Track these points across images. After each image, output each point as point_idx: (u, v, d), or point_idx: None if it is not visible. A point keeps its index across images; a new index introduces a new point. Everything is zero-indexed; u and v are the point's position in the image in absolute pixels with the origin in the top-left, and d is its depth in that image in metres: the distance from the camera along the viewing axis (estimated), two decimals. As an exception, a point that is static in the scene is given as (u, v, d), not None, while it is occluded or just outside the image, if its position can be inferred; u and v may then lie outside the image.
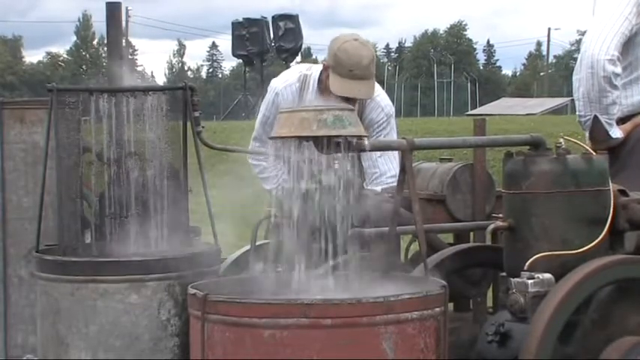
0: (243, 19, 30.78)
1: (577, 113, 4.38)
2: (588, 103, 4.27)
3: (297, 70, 4.83)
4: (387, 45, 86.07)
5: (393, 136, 4.69)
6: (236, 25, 30.60)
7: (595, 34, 4.23)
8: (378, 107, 4.67)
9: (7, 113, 4.59)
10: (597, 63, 4.17)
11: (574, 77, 4.34)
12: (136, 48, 77.04)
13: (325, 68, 4.57)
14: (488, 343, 3.18)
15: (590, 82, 4.22)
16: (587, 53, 4.21)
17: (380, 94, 4.70)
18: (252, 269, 3.55)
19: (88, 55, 78.07)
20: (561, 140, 3.24)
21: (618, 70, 4.19)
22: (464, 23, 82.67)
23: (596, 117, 4.23)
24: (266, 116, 4.77)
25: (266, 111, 4.77)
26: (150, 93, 3.57)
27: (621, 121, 4.37)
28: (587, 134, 4.32)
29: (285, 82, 4.76)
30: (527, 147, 3.28)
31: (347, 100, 4.35)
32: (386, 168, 4.62)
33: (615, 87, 4.20)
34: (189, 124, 3.62)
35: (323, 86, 4.59)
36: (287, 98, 4.67)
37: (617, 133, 4.26)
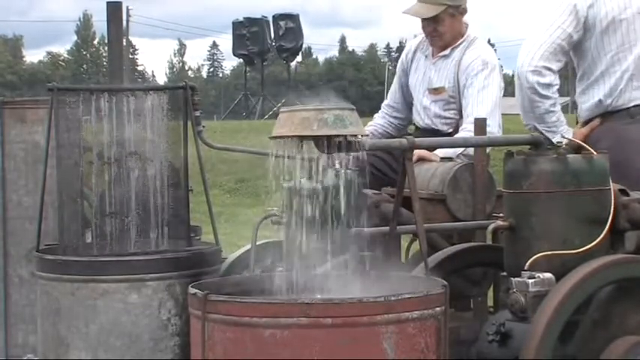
0: (244, 18, 30.78)
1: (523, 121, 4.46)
2: (524, 112, 4.35)
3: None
4: (388, 45, 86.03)
5: (490, 86, 4.81)
6: (237, 25, 30.60)
7: (524, 46, 4.31)
8: (476, 54, 4.87)
9: (8, 113, 4.60)
10: (521, 75, 4.28)
11: None
12: (136, 47, 77.10)
13: None
14: (488, 343, 3.18)
15: (520, 94, 4.31)
16: (516, 65, 4.31)
17: (483, 47, 4.99)
18: (252, 269, 3.56)
19: (88, 55, 78.09)
20: (562, 140, 3.24)
21: (545, 80, 4.24)
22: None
23: (535, 126, 4.28)
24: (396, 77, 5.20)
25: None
26: (150, 92, 3.57)
27: (585, 124, 4.41)
28: None
29: (408, 45, 5.21)
30: (528, 146, 3.28)
31: (427, 29, 4.85)
32: (470, 111, 4.76)
33: (545, 97, 4.25)
34: (189, 123, 3.61)
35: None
36: (406, 55, 5.10)
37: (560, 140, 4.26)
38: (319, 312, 2.73)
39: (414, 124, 5.04)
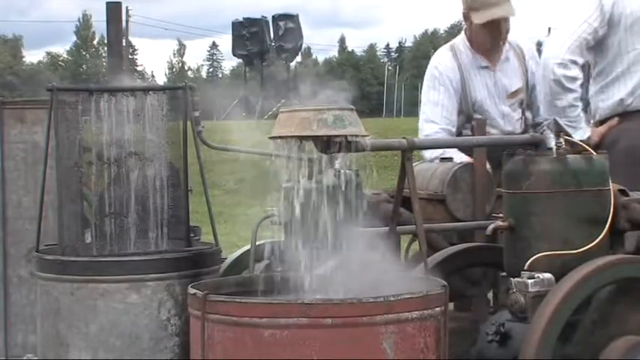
0: (244, 18, 30.81)
1: (540, 116, 4.45)
2: (546, 105, 4.34)
3: (444, 47, 5.06)
4: (387, 45, 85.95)
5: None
6: (236, 25, 30.62)
7: (551, 38, 4.30)
8: (522, 40, 4.95)
9: (8, 113, 4.60)
10: (547, 67, 4.27)
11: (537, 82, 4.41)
12: (136, 48, 77.03)
13: (465, 20, 4.85)
14: (488, 343, 3.18)
15: (543, 85, 4.30)
16: (542, 57, 4.30)
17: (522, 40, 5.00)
18: (253, 269, 3.56)
19: (88, 55, 78.05)
20: (561, 140, 3.24)
21: (571, 73, 4.23)
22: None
23: (556, 120, 4.27)
24: (435, 95, 4.94)
25: (431, 89, 4.95)
26: (150, 93, 3.57)
27: (600, 123, 4.40)
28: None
29: (437, 57, 5.00)
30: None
31: (494, 33, 4.72)
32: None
33: (569, 90, 4.24)
34: (189, 123, 3.61)
35: (471, 39, 4.86)
36: (446, 65, 4.88)
37: (582, 135, 4.26)
38: (319, 312, 2.74)
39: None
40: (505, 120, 4.85)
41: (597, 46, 4.34)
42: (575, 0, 4.36)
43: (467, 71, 4.86)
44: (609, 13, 4.27)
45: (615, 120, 4.37)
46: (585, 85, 4.54)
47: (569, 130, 4.21)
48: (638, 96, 4.32)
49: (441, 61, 4.92)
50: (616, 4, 4.27)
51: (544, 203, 3.17)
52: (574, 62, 4.24)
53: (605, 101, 4.40)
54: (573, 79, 4.24)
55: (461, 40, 4.93)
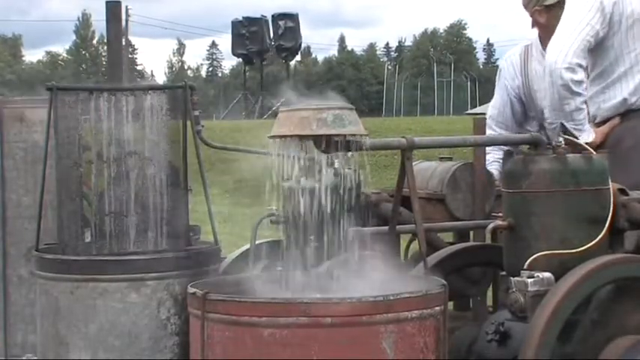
0: (243, 18, 30.84)
1: (546, 120, 4.42)
2: (553, 110, 4.33)
3: (520, 44, 5.00)
4: (387, 44, 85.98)
5: None
6: (236, 24, 30.64)
7: (554, 43, 4.28)
8: None
9: (7, 112, 4.59)
10: (555, 72, 4.24)
11: (540, 86, 4.38)
12: (136, 47, 76.99)
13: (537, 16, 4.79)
14: (487, 342, 3.18)
15: (550, 91, 4.28)
16: (547, 62, 4.27)
17: None
18: (252, 268, 3.56)
19: (87, 55, 78.04)
20: (561, 139, 3.24)
21: (578, 77, 4.21)
22: (464, 22, 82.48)
23: (562, 124, 4.26)
24: (495, 98, 5.00)
25: (495, 92, 4.98)
26: (150, 92, 3.57)
27: (601, 124, 4.40)
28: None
29: (506, 57, 5.00)
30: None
31: None
32: None
33: (577, 94, 4.23)
34: (189, 123, 3.61)
35: (545, 41, 4.72)
36: (508, 70, 4.89)
37: (588, 137, 4.26)
38: (319, 311, 2.73)
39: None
40: None
41: (597, 47, 4.33)
42: (575, 2, 4.34)
43: (535, 78, 4.80)
44: (610, 14, 4.27)
45: (617, 119, 4.37)
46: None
47: (575, 132, 4.21)
48: None
49: (505, 63, 4.95)
50: (617, 4, 4.27)
51: (543, 203, 3.17)
52: (580, 65, 4.23)
53: (607, 102, 4.39)
54: (580, 82, 4.24)
55: (534, 42, 4.86)
